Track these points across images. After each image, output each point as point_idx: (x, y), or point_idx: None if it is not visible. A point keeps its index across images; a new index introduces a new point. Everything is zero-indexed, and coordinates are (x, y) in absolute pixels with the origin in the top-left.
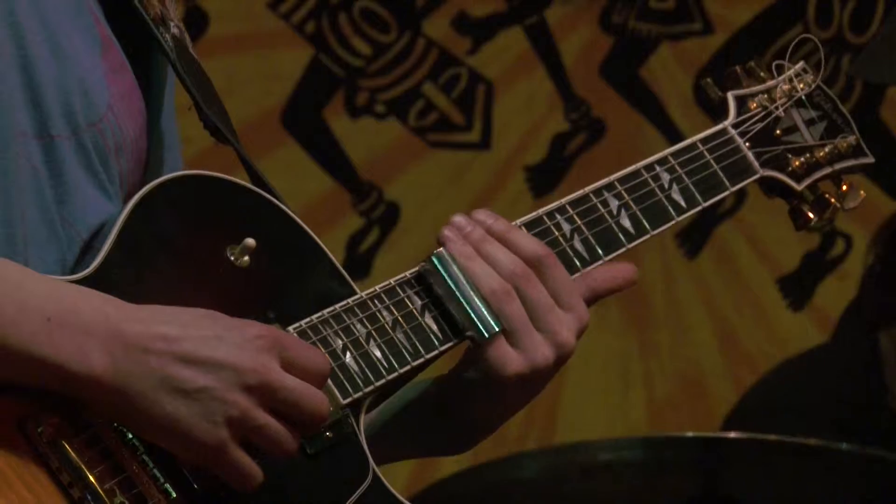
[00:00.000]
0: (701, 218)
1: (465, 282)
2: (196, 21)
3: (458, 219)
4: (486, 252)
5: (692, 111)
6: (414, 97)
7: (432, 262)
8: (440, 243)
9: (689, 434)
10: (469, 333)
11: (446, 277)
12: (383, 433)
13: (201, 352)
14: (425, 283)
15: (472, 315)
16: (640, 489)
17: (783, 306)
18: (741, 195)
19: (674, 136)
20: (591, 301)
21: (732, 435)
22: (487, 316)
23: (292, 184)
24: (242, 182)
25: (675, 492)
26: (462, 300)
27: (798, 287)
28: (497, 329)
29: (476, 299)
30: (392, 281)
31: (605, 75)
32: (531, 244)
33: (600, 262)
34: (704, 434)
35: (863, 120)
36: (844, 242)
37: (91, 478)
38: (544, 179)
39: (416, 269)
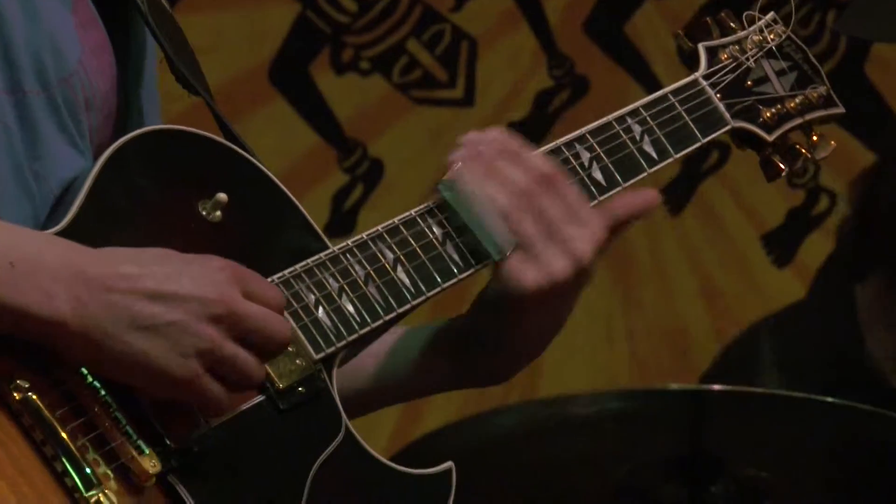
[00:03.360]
0: (685, 175)
1: (477, 201)
2: None
3: (471, 136)
4: (497, 170)
5: (676, 68)
6: (398, 54)
7: (445, 183)
8: (452, 164)
9: (673, 386)
10: (487, 247)
11: (460, 197)
12: (405, 371)
13: (165, 287)
14: (398, 235)
15: (487, 233)
16: (622, 442)
17: (767, 262)
18: (725, 152)
19: None
20: (614, 229)
21: (716, 387)
22: (502, 232)
23: (280, 140)
24: (214, 137)
25: (657, 444)
26: (476, 219)
27: (782, 243)
28: (512, 244)
29: (489, 217)
30: (364, 235)
31: (589, 32)
32: (543, 162)
33: None
34: (688, 386)
35: (847, 76)
36: (829, 199)
37: (63, 435)
38: (528, 136)
39: (389, 223)
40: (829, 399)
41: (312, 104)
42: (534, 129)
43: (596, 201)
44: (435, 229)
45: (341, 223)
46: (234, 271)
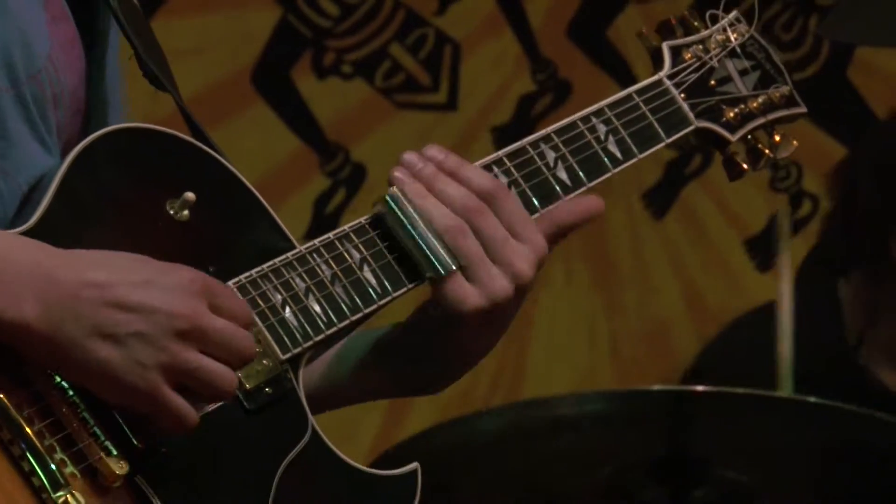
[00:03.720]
0: (668, 179)
1: (418, 221)
2: None
3: (409, 157)
4: (437, 189)
5: None
6: (381, 58)
7: (386, 202)
8: (391, 183)
9: (656, 387)
10: (428, 274)
11: (400, 217)
12: (345, 376)
13: (133, 297)
14: (365, 235)
15: (428, 254)
16: (606, 443)
17: (750, 267)
18: (707, 156)
19: None
20: (556, 236)
21: (700, 388)
22: (443, 253)
23: (261, 144)
24: (183, 135)
25: (641, 445)
26: (417, 239)
27: (765, 248)
28: (453, 266)
29: (431, 237)
30: (331, 235)
31: (572, 36)
32: (483, 178)
33: (536, 215)
34: (671, 387)
35: (830, 80)
36: (811, 203)
37: (30, 434)
38: (511, 140)
39: (356, 223)
40: (812, 399)
41: (294, 108)
42: (516, 133)
43: (560, 201)
44: None
45: (323, 227)
46: (203, 284)
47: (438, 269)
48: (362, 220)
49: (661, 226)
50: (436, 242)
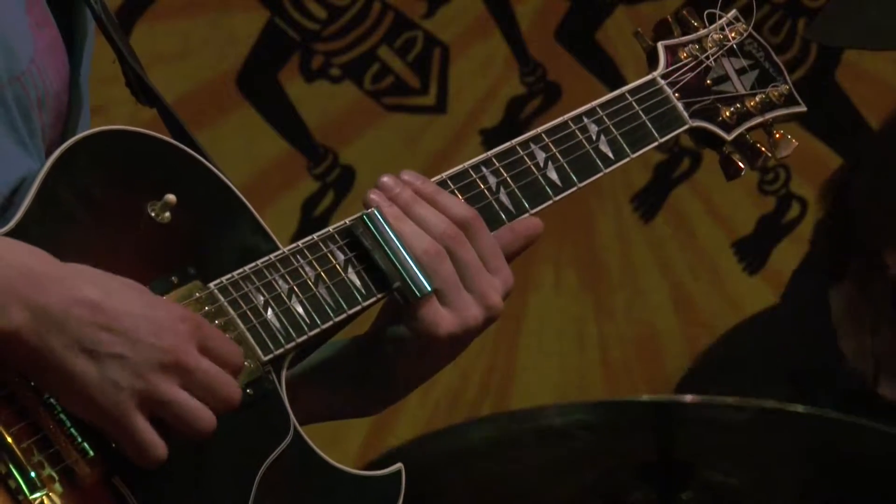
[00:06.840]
0: (657, 181)
1: (396, 242)
2: None
3: (386, 180)
4: (415, 213)
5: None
6: (369, 61)
7: (362, 221)
8: (368, 205)
9: (645, 397)
10: (397, 285)
11: (377, 238)
12: (297, 394)
13: (121, 322)
14: (350, 237)
15: (404, 275)
16: (594, 453)
17: (739, 270)
18: (696, 159)
19: None
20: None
21: (688, 398)
22: (420, 276)
23: (248, 148)
24: (164, 137)
25: (630, 455)
26: (393, 260)
27: (754, 250)
28: (430, 289)
29: (408, 259)
30: (315, 236)
31: (560, 39)
32: (459, 207)
33: (526, 215)
34: (660, 397)
35: (818, 83)
36: (800, 206)
37: (8, 437)
38: (500, 143)
39: (341, 224)
40: (801, 408)
41: (281, 111)
42: (505, 135)
43: (551, 201)
44: None
45: (311, 230)
46: (195, 324)
47: (415, 291)
48: (347, 221)
49: (650, 228)
50: (413, 264)
